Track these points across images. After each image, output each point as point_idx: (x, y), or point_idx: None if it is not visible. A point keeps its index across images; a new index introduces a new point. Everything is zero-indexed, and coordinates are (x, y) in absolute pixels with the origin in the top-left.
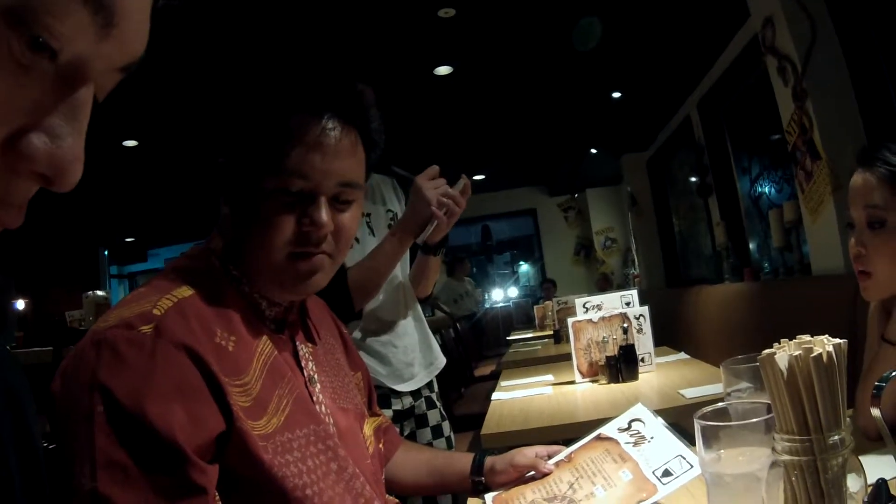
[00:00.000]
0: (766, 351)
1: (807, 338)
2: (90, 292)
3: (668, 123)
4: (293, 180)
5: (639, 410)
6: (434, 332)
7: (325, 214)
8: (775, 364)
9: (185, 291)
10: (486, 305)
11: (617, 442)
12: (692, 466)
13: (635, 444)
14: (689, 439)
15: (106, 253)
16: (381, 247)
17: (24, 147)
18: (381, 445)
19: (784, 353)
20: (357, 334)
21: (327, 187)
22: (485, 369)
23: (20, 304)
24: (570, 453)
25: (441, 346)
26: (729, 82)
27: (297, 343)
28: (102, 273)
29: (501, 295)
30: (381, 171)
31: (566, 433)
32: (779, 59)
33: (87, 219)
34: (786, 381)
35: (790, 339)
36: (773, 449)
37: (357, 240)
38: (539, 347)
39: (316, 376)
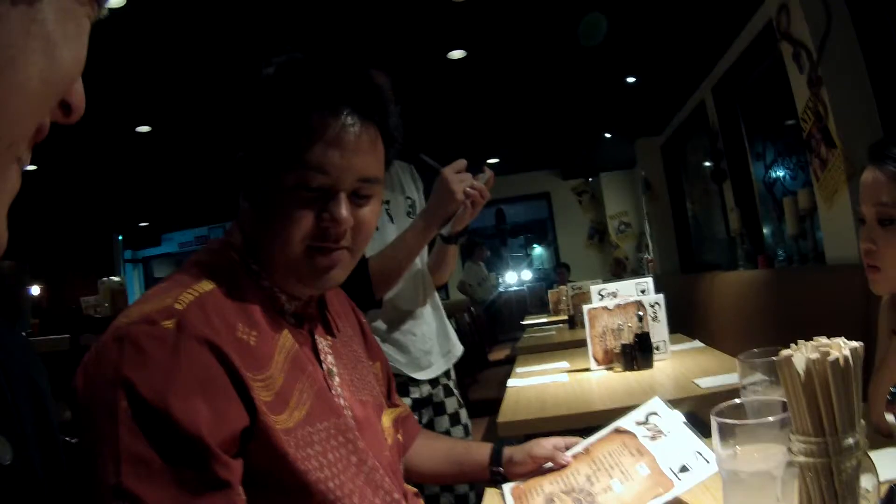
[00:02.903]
0: (784, 352)
1: (824, 340)
2: (105, 278)
3: (682, 108)
4: (313, 176)
5: (656, 404)
6: (448, 317)
7: (344, 210)
8: (792, 366)
9: (206, 286)
10: (500, 289)
11: (634, 435)
12: (709, 463)
13: (653, 437)
14: (704, 430)
15: (120, 238)
16: (403, 237)
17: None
18: (399, 436)
19: (801, 354)
20: (381, 324)
21: (347, 183)
22: (499, 353)
23: (35, 291)
24: (588, 445)
25: (455, 330)
26: (743, 67)
27: (316, 336)
28: (117, 258)
29: (515, 278)
30: (407, 158)
31: (582, 422)
32: (794, 46)
33: (101, 204)
34: (802, 383)
35: (805, 331)
36: (789, 449)
37: (376, 227)
38: (554, 333)
39: (335, 369)
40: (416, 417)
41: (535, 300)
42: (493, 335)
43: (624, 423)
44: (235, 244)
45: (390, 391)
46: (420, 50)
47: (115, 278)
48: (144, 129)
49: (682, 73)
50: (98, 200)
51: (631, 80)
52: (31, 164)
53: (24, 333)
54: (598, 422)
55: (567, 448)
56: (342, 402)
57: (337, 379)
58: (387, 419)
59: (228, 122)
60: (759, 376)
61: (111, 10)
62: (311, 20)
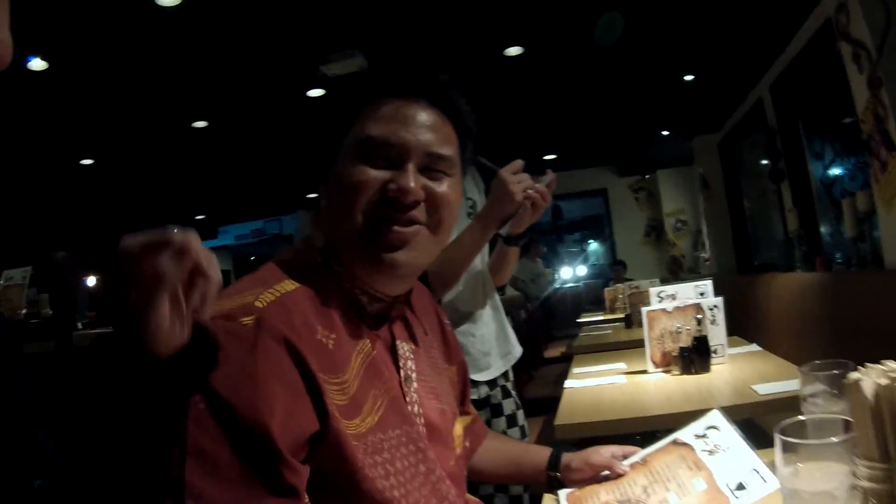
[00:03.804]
0: (852, 375)
1: (892, 364)
2: None
3: (740, 105)
4: (377, 147)
5: (715, 418)
6: (505, 314)
7: (412, 179)
8: (861, 391)
9: (288, 286)
10: (556, 286)
11: (692, 448)
12: (766, 482)
13: (711, 452)
14: (761, 437)
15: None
16: (461, 238)
17: None
18: (467, 443)
19: (870, 379)
20: None
21: (414, 153)
22: (555, 351)
23: (91, 282)
24: (646, 456)
25: (511, 327)
26: (802, 65)
27: (397, 341)
28: None
29: (571, 274)
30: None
31: (638, 426)
32: (853, 46)
33: (158, 197)
34: (871, 409)
35: (863, 337)
36: (853, 473)
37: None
38: (610, 332)
39: (413, 375)
40: (483, 420)
41: (590, 297)
42: (548, 332)
43: (683, 435)
44: (317, 245)
45: (464, 397)
46: (477, 46)
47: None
48: (201, 124)
49: (739, 70)
50: (155, 193)
51: (689, 77)
52: (87, 158)
53: (80, 325)
54: (655, 427)
55: (625, 457)
56: (416, 409)
57: (414, 385)
58: (458, 427)
59: (309, 135)
60: (820, 388)
61: (167, 7)
62: (370, 18)
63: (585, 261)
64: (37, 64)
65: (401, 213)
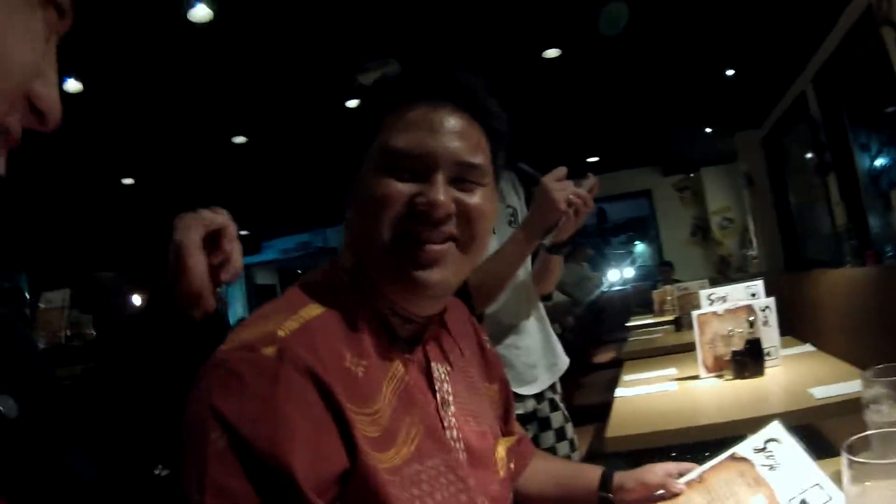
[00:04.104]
0: None
1: None
2: None
3: (782, 99)
4: (403, 157)
5: (775, 430)
6: (552, 320)
7: (441, 192)
8: None
9: (314, 310)
10: (603, 288)
11: (752, 464)
12: (830, 499)
13: (771, 467)
14: (820, 444)
15: None
16: (503, 250)
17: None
18: (511, 465)
19: None
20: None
21: (443, 164)
22: (604, 356)
23: (137, 301)
24: (702, 473)
25: (559, 334)
26: (844, 55)
27: (432, 363)
28: None
29: (618, 277)
30: (506, 166)
31: (692, 436)
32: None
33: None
34: None
35: None
36: None
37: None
38: (660, 335)
39: (451, 398)
40: (529, 439)
41: (639, 299)
42: (597, 336)
43: (741, 449)
44: (346, 265)
45: (508, 416)
46: (514, 51)
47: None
48: (240, 139)
49: (780, 63)
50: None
51: (730, 72)
52: (128, 177)
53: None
54: (709, 436)
55: (680, 475)
56: (454, 434)
57: (452, 408)
58: (501, 449)
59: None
60: (883, 392)
61: (200, 24)
62: (407, 25)
63: (632, 263)
64: (72, 85)
65: (431, 229)
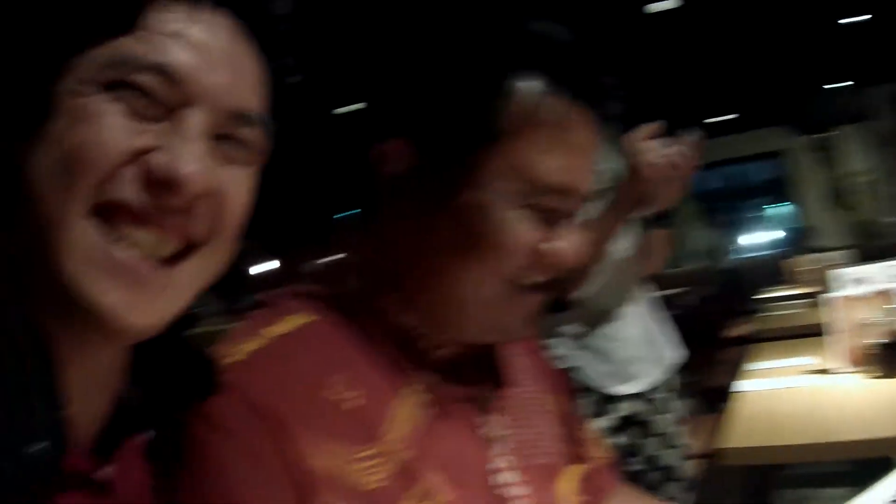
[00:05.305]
0: None
1: None
2: None
3: None
4: (546, 196)
5: None
6: (676, 292)
7: (577, 239)
8: None
9: (294, 321)
10: (734, 256)
11: None
12: None
13: None
14: None
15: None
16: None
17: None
18: (585, 498)
19: None
20: (573, 330)
21: (577, 199)
22: (736, 330)
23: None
24: None
25: (683, 308)
26: None
27: (471, 388)
28: None
29: (750, 244)
30: None
31: (831, 453)
32: None
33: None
34: None
35: None
36: None
37: None
38: (793, 312)
39: (495, 433)
40: (613, 470)
41: (772, 268)
42: (728, 308)
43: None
44: (359, 264)
45: (579, 436)
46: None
47: None
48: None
49: None
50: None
51: (865, 17)
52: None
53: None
54: (854, 454)
55: None
56: (504, 477)
57: (498, 447)
58: (566, 483)
59: None
60: None
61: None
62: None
63: (765, 228)
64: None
65: (549, 276)
